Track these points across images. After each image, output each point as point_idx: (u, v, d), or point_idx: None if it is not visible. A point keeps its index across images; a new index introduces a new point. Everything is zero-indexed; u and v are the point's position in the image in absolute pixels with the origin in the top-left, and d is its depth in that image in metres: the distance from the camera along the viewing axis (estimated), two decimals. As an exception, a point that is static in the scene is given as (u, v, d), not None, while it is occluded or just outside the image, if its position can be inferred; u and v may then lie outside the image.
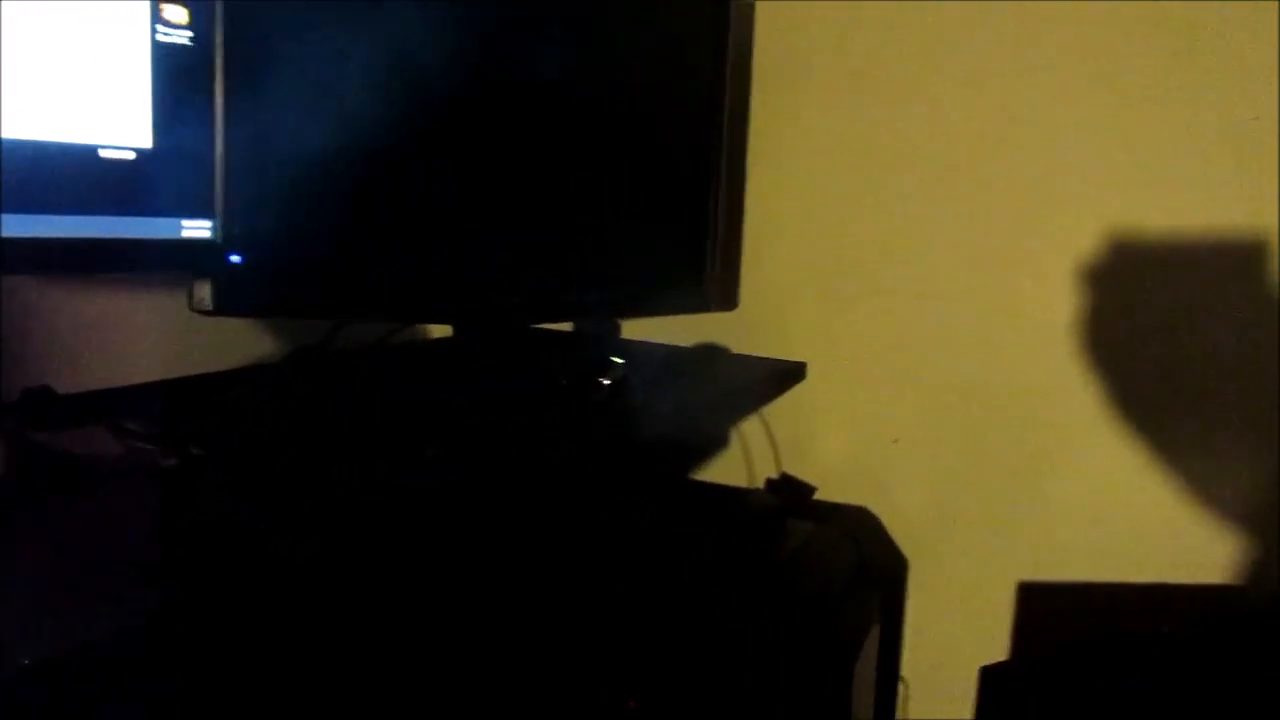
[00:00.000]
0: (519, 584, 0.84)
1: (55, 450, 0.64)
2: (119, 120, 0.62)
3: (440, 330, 1.21)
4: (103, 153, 0.62)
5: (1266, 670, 0.96)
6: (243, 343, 1.01)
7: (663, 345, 1.25)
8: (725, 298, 1.21)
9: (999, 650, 1.15)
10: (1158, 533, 1.06)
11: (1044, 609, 1.14)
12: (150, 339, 0.91)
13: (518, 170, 0.94)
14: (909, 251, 1.15)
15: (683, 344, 1.26)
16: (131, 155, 0.63)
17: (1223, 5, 0.98)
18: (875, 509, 1.20)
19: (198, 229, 0.68)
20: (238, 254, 0.71)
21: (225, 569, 0.56)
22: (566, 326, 1.24)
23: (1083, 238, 1.06)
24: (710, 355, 1.23)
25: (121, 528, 0.59)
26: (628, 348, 1.18)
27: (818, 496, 1.22)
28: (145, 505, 0.60)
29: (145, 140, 0.64)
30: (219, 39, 0.65)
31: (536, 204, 0.97)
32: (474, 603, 0.78)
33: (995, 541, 1.15)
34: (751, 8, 1.18)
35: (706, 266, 1.14)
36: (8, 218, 0.59)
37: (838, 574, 1.07)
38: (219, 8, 0.65)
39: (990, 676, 0.99)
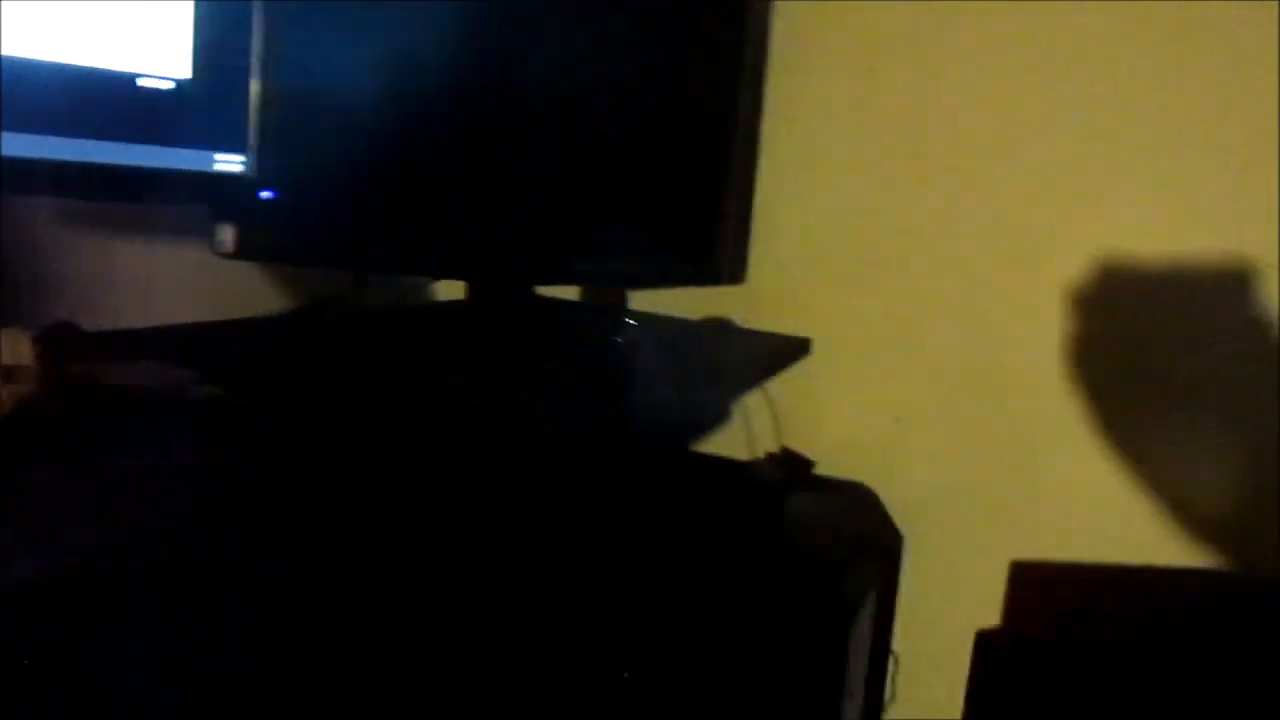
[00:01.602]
0: (521, 550, 0.85)
1: (86, 376, 0.65)
2: (160, 50, 0.63)
3: (451, 294, 1.22)
4: (141, 81, 0.63)
5: (1257, 646, 0.98)
6: (261, 294, 1.02)
7: (669, 317, 1.26)
8: (733, 272, 1.23)
9: (990, 624, 1.16)
10: (1151, 519, 1.08)
11: (1036, 587, 1.15)
12: (171, 286, 0.92)
13: (537, 137, 0.95)
14: (918, 233, 1.17)
15: (690, 317, 1.27)
16: (170, 85, 0.64)
17: (1222, 29, 1.00)
18: (874, 485, 1.22)
19: (230, 163, 0.69)
20: (268, 190, 0.72)
21: (253, 501, 0.57)
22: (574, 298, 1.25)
23: (1093, 229, 1.08)
24: (716, 329, 1.25)
25: (153, 455, 0.60)
26: (635, 317, 1.19)
27: (818, 471, 1.24)
28: (177, 433, 0.61)
29: (184, 71, 0.64)
30: (261, -26, 0.66)
31: (553, 170, 0.98)
32: (476, 566, 0.80)
33: (990, 520, 1.17)
34: (770, -14, 1.20)
35: (717, 240, 1.15)
36: (40, 139, 0.60)
37: (834, 547, 1.08)
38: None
39: (985, 643, 1.01)
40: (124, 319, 0.88)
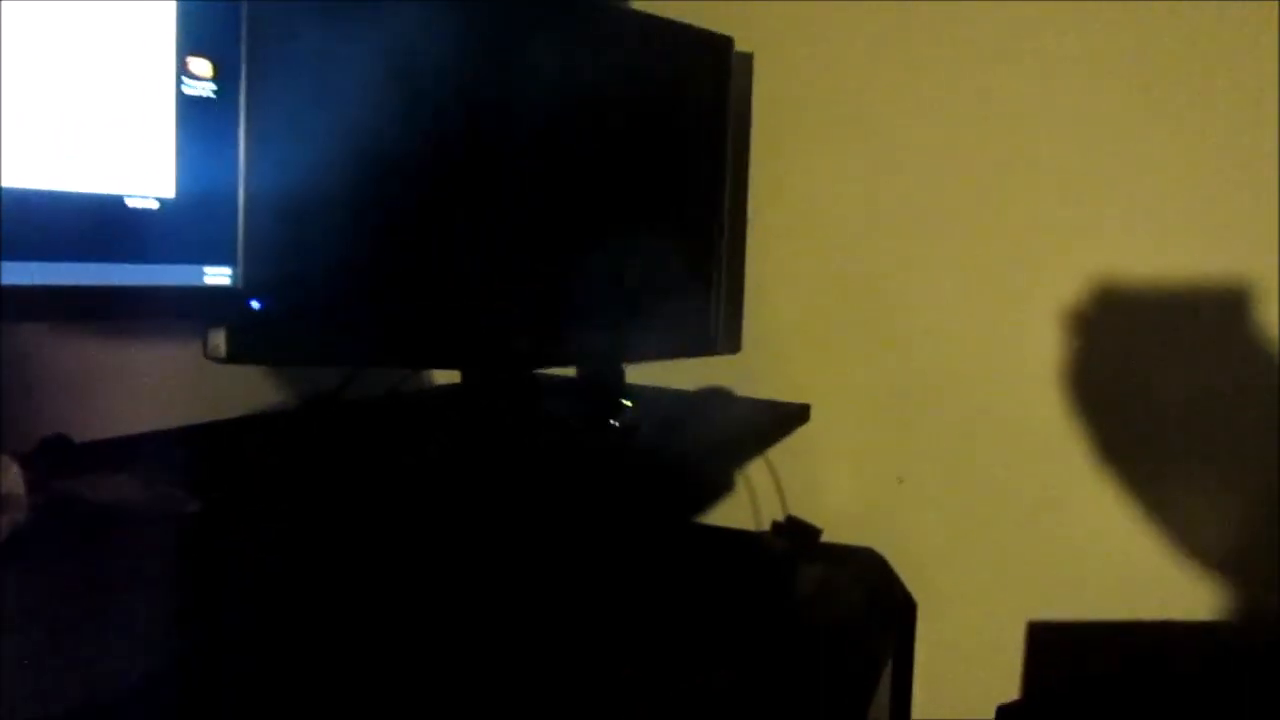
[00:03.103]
0: (533, 631, 0.84)
1: (76, 497, 0.64)
2: (143, 170, 0.64)
3: (447, 379, 1.22)
4: (129, 202, 0.63)
5: (1276, 708, 0.96)
6: (255, 391, 1.01)
7: (667, 389, 1.26)
8: (729, 341, 1.23)
9: (1010, 689, 1.14)
10: (1167, 569, 1.06)
11: (1054, 648, 1.13)
12: (163, 388, 0.92)
13: (525, 219, 0.96)
14: (909, 293, 1.17)
15: (687, 388, 1.26)
16: (155, 205, 0.64)
17: (1220, 50, 1.01)
18: (882, 549, 1.20)
19: (219, 276, 0.69)
20: (258, 300, 0.72)
21: (248, 611, 0.56)
22: (571, 372, 1.25)
23: (1083, 277, 1.08)
24: (715, 398, 1.24)
25: (145, 573, 0.59)
26: (634, 392, 1.19)
27: (824, 538, 1.22)
28: (168, 550, 0.60)
29: (168, 190, 0.65)
30: (243, 92, 0.67)
31: (543, 252, 0.98)
32: (489, 649, 0.78)
33: (1003, 580, 1.15)
34: (750, 58, 1.21)
35: (711, 310, 1.16)
36: (34, 265, 0.60)
37: (848, 617, 1.07)
38: (244, 62, 0.67)
39: (1007, 716, 0.99)
40: (117, 425, 0.87)
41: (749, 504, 1.27)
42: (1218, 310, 1.03)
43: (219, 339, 0.78)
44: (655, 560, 1.10)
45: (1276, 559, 1.02)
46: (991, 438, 1.14)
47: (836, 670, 0.96)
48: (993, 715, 1.08)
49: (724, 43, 1.14)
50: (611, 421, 0.93)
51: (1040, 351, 1.11)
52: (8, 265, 0.58)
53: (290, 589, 0.60)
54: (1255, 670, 1.02)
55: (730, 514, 1.28)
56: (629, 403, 0.96)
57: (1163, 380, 1.06)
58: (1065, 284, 1.09)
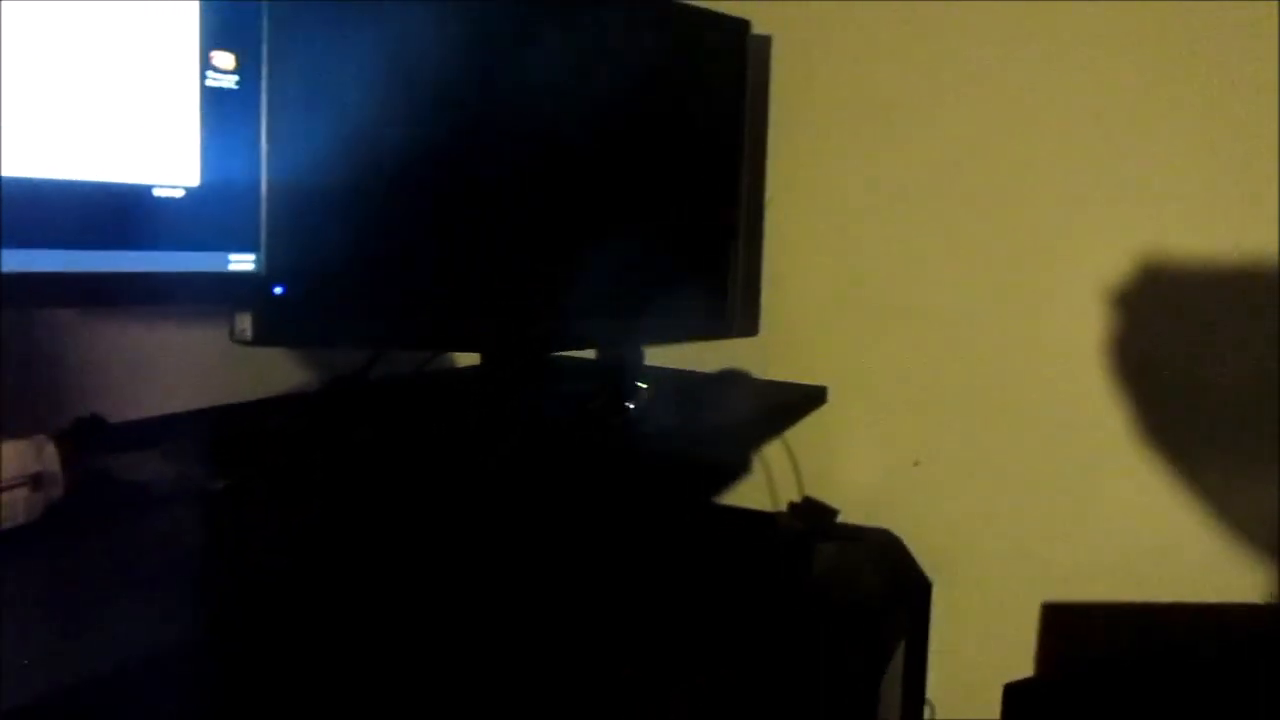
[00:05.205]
0: (552, 611, 0.86)
1: (109, 474, 0.67)
2: (169, 161, 0.66)
3: (469, 360, 1.24)
4: (156, 192, 0.66)
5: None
6: (280, 373, 1.04)
7: (686, 371, 1.27)
8: (747, 324, 1.24)
9: (1024, 669, 1.15)
10: (1181, 551, 1.07)
11: (1068, 629, 1.14)
12: (192, 370, 0.94)
13: (542, 204, 0.97)
14: (927, 274, 1.17)
15: (705, 370, 1.28)
16: (180, 193, 0.67)
17: (1259, 17, 1.00)
18: (898, 531, 1.21)
19: (243, 262, 0.71)
20: (281, 285, 0.74)
21: (270, 592, 0.59)
22: (591, 354, 1.27)
23: (1104, 260, 1.08)
24: (732, 381, 1.25)
25: (173, 549, 0.61)
26: (652, 375, 1.20)
27: (841, 519, 1.23)
28: (195, 526, 0.63)
29: (193, 179, 0.67)
30: (265, 83, 0.69)
31: (563, 236, 1.00)
32: (507, 627, 0.80)
33: (1018, 562, 1.16)
34: (768, 40, 1.22)
35: (728, 293, 1.17)
36: (63, 254, 0.62)
37: (863, 596, 1.08)
38: (265, 54, 0.69)
39: (1014, 694, 1.00)
40: (149, 406, 0.90)
41: (766, 485, 1.28)
42: (1260, 291, 1.02)
43: (245, 323, 0.80)
44: (672, 540, 1.12)
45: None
46: (1007, 421, 1.15)
47: (850, 648, 0.98)
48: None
49: (741, 26, 1.14)
50: (627, 404, 0.94)
51: (1056, 335, 1.11)
52: (40, 253, 0.61)
53: (312, 566, 0.62)
54: (1270, 653, 1.02)
55: (748, 495, 1.30)
56: (644, 385, 0.97)
57: (1198, 362, 1.05)
58: (1083, 268, 1.09)
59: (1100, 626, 1.12)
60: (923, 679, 1.19)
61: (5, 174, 0.59)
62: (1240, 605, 1.05)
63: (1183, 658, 1.07)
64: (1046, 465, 1.13)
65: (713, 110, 1.13)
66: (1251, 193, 1.01)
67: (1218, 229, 1.03)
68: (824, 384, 1.23)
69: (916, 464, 1.20)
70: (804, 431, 1.24)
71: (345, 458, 0.82)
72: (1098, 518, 1.11)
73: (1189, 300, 1.05)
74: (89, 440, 0.72)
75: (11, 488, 0.59)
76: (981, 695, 1.16)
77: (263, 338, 0.81)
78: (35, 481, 0.61)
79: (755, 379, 1.26)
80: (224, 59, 0.68)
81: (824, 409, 1.23)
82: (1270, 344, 1.02)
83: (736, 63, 1.14)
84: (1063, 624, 1.14)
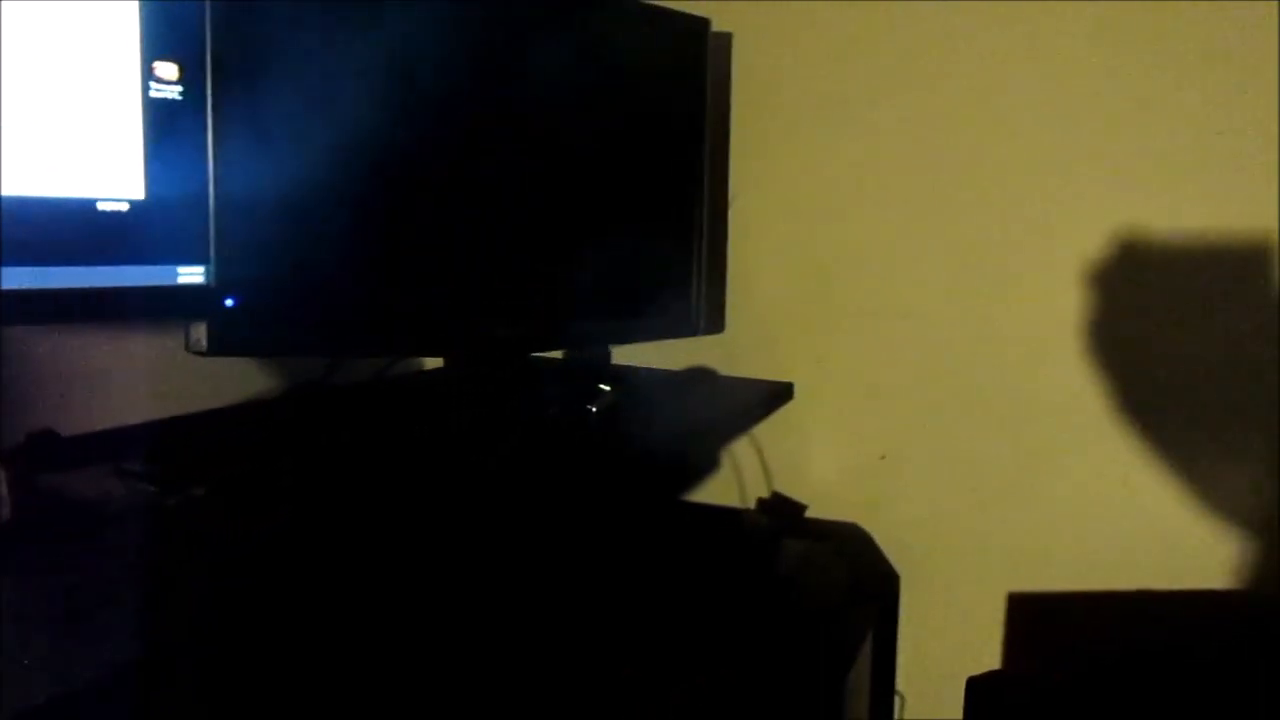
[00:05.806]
0: (519, 612, 0.86)
1: (60, 493, 0.66)
2: (113, 174, 0.65)
3: (433, 362, 1.24)
4: (101, 205, 0.64)
5: (1259, 678, 0.98)
6: (239, 380, 1.03)
7: (653, 370, 1.27)
8: (712, 321, 1.24)
9: (992, 661, 1.16)
10: (1146, 540, 1.08)
11: (1036, 618, 1.15)
12: (149, 379, 0.93)
13: (505, 206, 0.97)
14: (893, 270, 1.18)
15: (673, 368, 1.28)
16: (125, 207, 0.66)
17: (1228, 10, 1.00)
18: (865, 525, 1.22)
19: (192, 275, 0.70)
20: (232, 297, 0.73)
21: (230, 605, 0.58)
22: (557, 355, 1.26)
23: (1071, 253, 1.08)
24: (700, 378, 1.26)
25: (125, 567, 0.61)
26: (618, 374, 1.20)
27: (809, 514, 1.24)
28: (149, 544, 0.62)
29: (138, 191, 0.66)
30: (209, 92, 0.68)
31: (523, 239, 0.99)
32: (476, 632, 0.80)
33: (985, 553, 1.17)
34: (729, 37, 1.21)
35: (693, 291, 1.17)
36: (10, 271, 0.61)
37: (831, 590, 1.09)
38: (209, 63, 0.68)
39: (977, 687, 1.01)
40: (104, 419, 0.89)
41: (734, 482, 1.29)
42: (1228, 269, 1.03)
43: (199, 333, 0.79)
44: (640, 538, 1.12)
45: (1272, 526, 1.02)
46: (972, 414, 1.16)
47: (819, 641, 0.99)
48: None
49: (701, 24, 1.14)
50: (589, 406, 0.94)
51: (1021, 329, 1.12)
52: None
53: (274, 577, 0.62)
54: (1237, 640, 1.04)
55: (716, 492, 1.30)
56: (607, 386, 0.97)
57: (1171, 344, 1.06)
58: (1048, 263, 1.09)
59: (1068, 615, 1.13)
60: (892, 671, 1.20)
61: (-59, 192, 0.57)
62: (1207, 592, 1.06)
63: (1148, 646, 1.08)
64: (1012, 458, 1.14)
65: (674, 109, 1.13)
66: (1227, 175, 1.01)
67: (1194, 212, 1.03)
68: (790, 380, 1.23)
69: (883, 458, 1.21)
70: (771, 428, 1.24)
71: (313, 464, 0.82)
72: (1064, 509, 1.12)
73: (1157, 286, 1.06)
74: (40, 457, 0.71)
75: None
76: (951, 686, 1.17)
77: (218, 348, 0.80)
78: (-19, 504, 0.60)
79: (722, 376, 1.26)
80: (167, 69, 0.66)
81: (791, 405, 1.23)
82: (1246, 328, 1.02)
83: (697, 60, 1.14)
84: (1031, 614, 1.15)
